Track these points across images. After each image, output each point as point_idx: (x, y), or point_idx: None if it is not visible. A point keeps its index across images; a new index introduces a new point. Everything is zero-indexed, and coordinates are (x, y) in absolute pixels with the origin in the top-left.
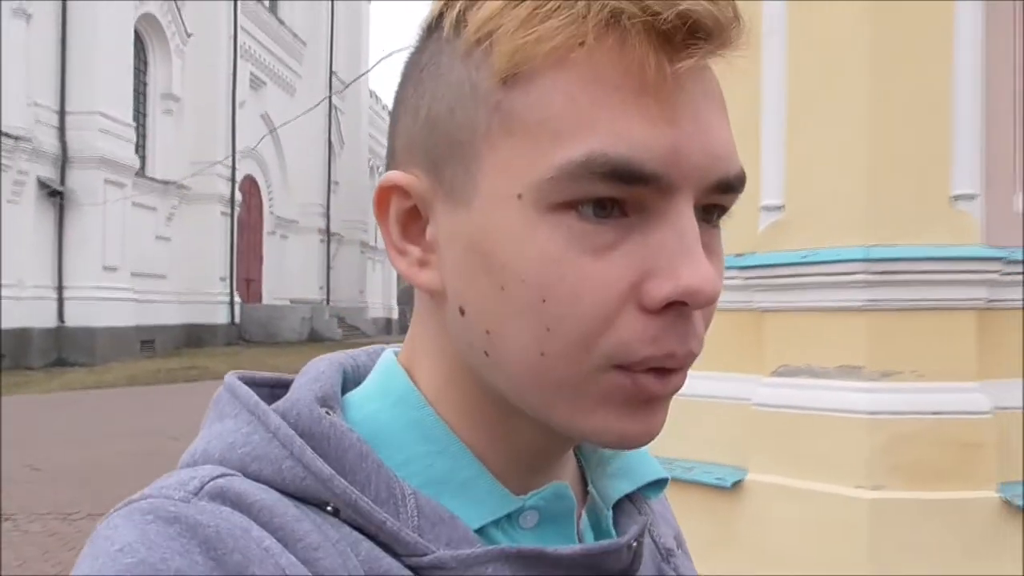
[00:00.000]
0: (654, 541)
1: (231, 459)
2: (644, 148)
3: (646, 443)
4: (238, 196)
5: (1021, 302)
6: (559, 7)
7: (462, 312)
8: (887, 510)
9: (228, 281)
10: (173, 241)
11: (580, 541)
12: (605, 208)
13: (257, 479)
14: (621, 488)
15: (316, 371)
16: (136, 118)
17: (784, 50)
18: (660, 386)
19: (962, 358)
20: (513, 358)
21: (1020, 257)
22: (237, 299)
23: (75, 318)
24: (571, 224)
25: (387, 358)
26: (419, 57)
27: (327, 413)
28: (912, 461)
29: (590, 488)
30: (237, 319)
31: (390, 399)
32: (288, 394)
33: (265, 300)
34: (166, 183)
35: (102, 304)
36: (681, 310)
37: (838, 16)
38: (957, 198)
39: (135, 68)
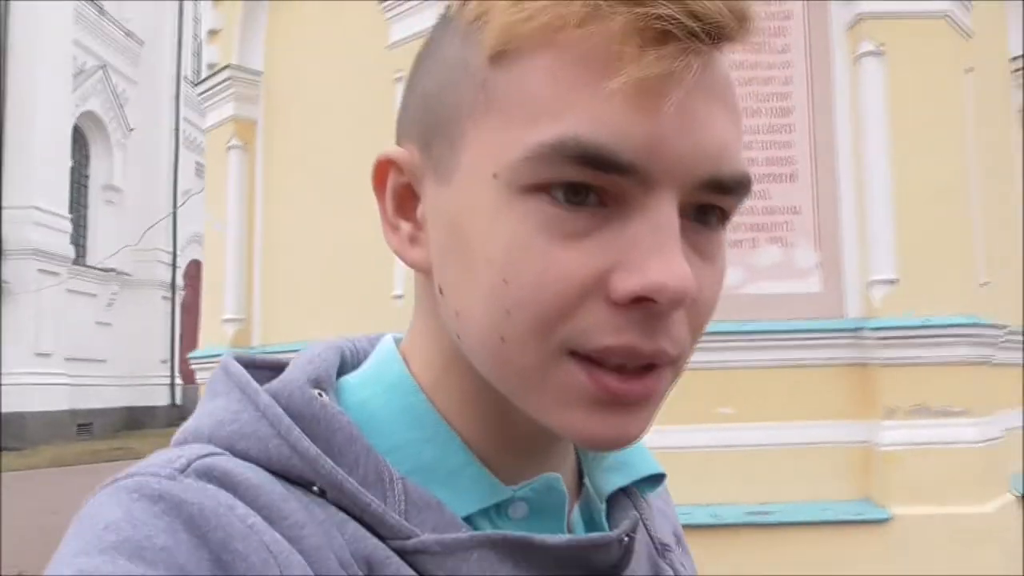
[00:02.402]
0: (650, 536)
1: (220, 436)
2: (621, 136)
3: (618, 448)
4: (181, 281)
5: None
6: None
7: (441, 292)
8: (1008, 515)
9: (169, 364)
10: (114, 326)
11: (571, 533)
12: (579, 194)
13: (245, 457)
14: (615, 481)
15: (312, 353)
16: (75, 209)
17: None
18: (623, 386)
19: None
20: (477, 342)
21: None
22: (179, 381)
23: (8, 404)
24: (543, 208)
25: (386, 344)
26: (431, 35)
27: (319, 395)
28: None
29: (585, 481)
30: (179, 400)
31: (383, 385)
32: (283, 374)
33: None
34: (106, 271)
35: (35, 389)
36: (651, 307)
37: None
38: None
39: (76, 162)
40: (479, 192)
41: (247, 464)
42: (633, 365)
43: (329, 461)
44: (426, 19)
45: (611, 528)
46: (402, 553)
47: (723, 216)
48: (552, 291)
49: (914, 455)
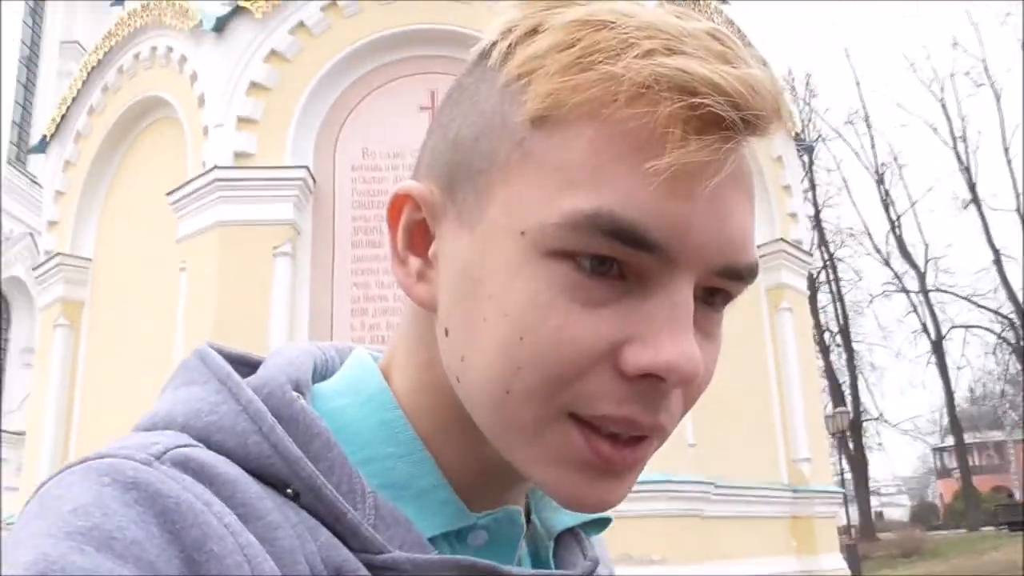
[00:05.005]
0: None
1: (195, 426)
2: (654, 216)
3: (599, 511)
4: None
5: None
6: (601, 61)
7: (446, 333)
8: None
9: None
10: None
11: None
12: (603, 264)
13: (220, 451)
14: (564, 521)
15: (290, 355)
16: None
17: None
18: (616, 454)
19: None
20: (479, 390)
21: None
22: None
23: None
24: (567, 273)
25: (360, 356)
26: (464, 80)
27: (298, 398)
28: None
29: (533, 518)
30: None
31: (361, 397)
32: (260, 372)
33: None
34: (18, 434)
35: None
36: (657, 384)
37: None
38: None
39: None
40: (503, 246)
41: (223, 459)
42: (628, 435)
43: (310, 465)
44: (209, 218)
45: (556, 566)
46: (370, 567)
47: (726, 298)
48: (567, 353)
49: None
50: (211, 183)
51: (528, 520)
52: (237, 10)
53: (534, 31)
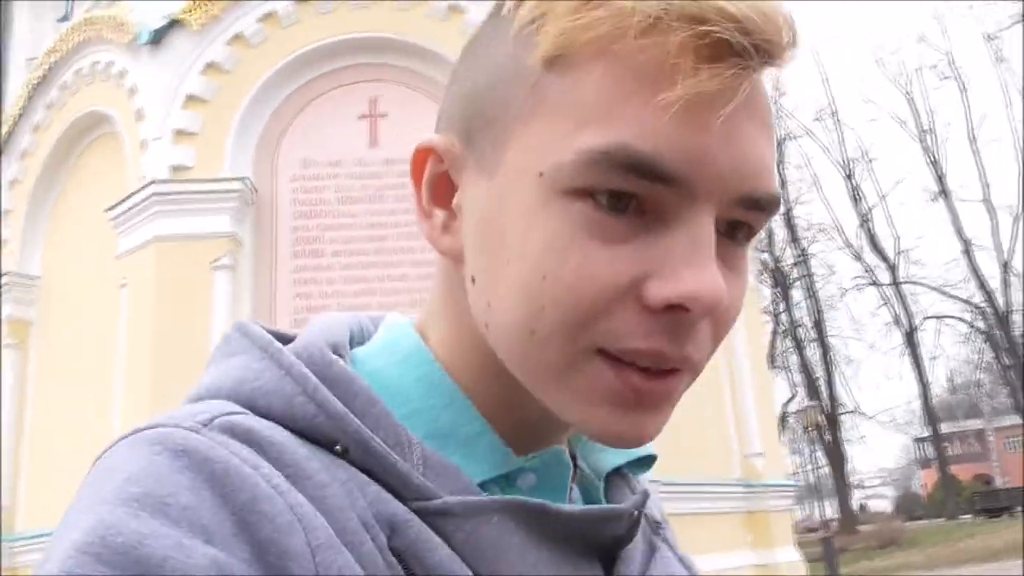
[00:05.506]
0: (644, 514)
1: (241, 393)
2: (669, 148)
3: (635, 446)
4: None
5: None
6: None
7: (473, 281)
8: None
9: None
10: None
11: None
12: (621, 201)
13: (267, 415)
14: (610, 461)
15: (327, 322)
16: None
17: None
18: (646, 384)
19: None
20: (506, 334)
21: None
22: None
23: None
24: (585, 211)
25: (394, 319)
26: (481, 31)
27: (337, 360)
28: None
29: (580, 463)
30: None
31: (397, 356)
32: (299, 339)
33: None
34: None
35: None
36: (682, 315)
37: None
38: None
39: None
40: (522, 189)
41: (269, 423)
42: (657, 368)
43: (356, 420)
44: (147, 233)
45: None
46: (423, 514)
47: (750, 232)
48: (588, 291)
49: None
50: (148, 198)
51: (575, 466)
52: (173, 23)
53: None
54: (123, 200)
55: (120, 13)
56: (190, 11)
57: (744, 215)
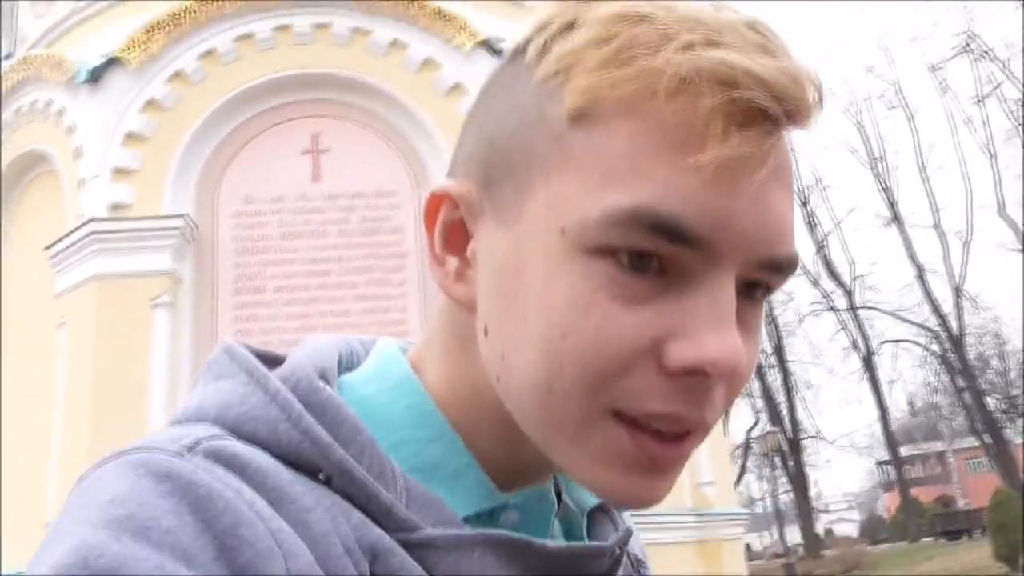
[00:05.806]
0: (626, 552)
1: (226, 418)
2: (696, 210)
3: (645, 508)
4: None
5: None
6: (639, 56)
7: (485, 332)
8: None
9: None
10: None
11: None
12: (643, 260)
13: (251, 440)
14: (593, 498)
15: (316, 345)
16: None
17: None
18: (660, 449)
19: None
20: (521, 389)
21: None
22: None
23: None
24: (607, 270)
25: (385, 346)
26: (499, 76)
27: (324, 386)
28: None
29: (565, 497)
30: None
31: (387, 384)
32: (287, 363)
33: None
34: None
35: None
36: (700, 378)
37: None
38: None
39: None
40: (543, 243)
41: (253, 448)
42: (671, 431)
43: (340, 449)
44: (86, 271)
45: (591, 540)
46: (406, 546)
47: (767, 291)
48: (608, 351)
49: None
50: (87, 236)
51: (559, 500)
52: (112, 61)
53: (570, 26)
54: (61, 239)
55: (59, 52)
56: (128, 49)
57: (764, 276)
